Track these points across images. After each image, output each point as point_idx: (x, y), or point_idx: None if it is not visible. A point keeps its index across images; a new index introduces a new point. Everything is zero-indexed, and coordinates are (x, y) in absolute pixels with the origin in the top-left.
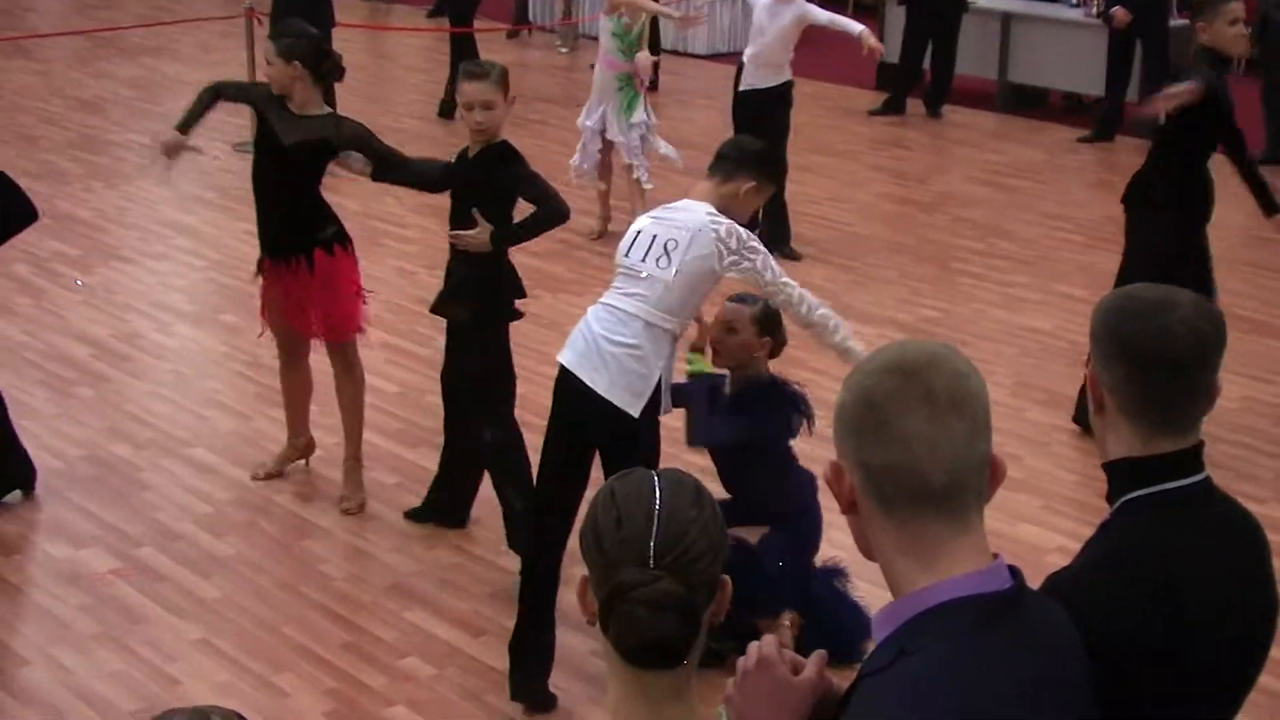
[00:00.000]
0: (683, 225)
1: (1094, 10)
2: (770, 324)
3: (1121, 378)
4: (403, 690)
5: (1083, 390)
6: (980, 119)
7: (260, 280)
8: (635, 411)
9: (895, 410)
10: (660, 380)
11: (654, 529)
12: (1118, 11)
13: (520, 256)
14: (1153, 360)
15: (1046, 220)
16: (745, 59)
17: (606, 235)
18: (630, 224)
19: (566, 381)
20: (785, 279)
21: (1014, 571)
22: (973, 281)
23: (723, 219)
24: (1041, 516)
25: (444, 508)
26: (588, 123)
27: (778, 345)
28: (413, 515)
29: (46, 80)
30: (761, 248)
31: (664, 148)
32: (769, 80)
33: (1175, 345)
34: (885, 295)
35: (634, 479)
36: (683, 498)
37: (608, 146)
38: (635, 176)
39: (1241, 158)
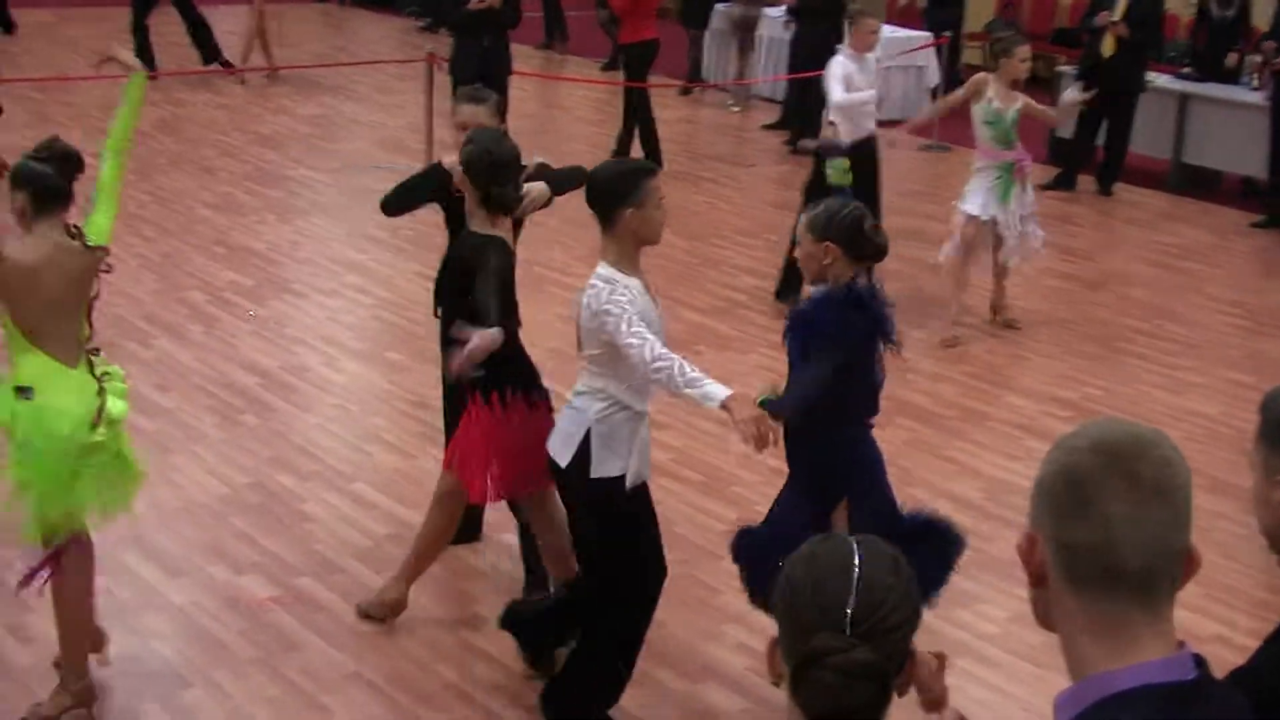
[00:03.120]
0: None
1: (1270, 93)
2: (827, 227)
3: None
4: None
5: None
6: (1152, 199)
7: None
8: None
9: (1098, 490)
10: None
11: (852, 596)
12: None
13: (685, 312)
14: None
15: (1215, 304)
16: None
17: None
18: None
19: None
20: (632, 338)
21: (1199, 661)
22: (1137, 362)
23: (599, 281)
24: (1200, 604)
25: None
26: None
27: (853, 250)
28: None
29: (229, 114)
30: (618, 309)
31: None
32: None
33: None
34: (1047, 372)
35: (833, 543)
36: (881, 565)
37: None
38: (1003, 260)
39: None
